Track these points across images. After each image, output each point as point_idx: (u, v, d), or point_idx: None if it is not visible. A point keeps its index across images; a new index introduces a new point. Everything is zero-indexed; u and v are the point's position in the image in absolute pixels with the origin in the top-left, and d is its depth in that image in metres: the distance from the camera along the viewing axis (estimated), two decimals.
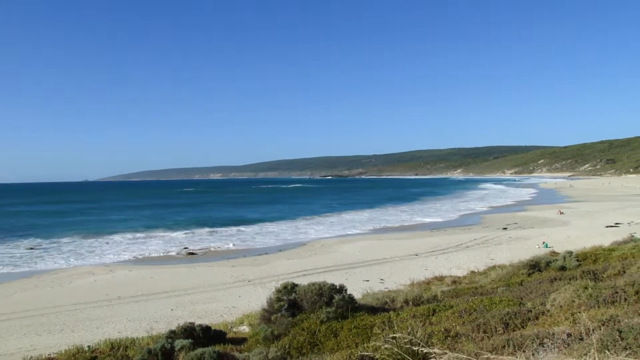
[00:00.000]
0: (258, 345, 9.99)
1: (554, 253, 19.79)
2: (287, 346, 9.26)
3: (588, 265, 14.54)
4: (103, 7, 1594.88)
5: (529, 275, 14.93)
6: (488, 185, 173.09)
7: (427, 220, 59.06)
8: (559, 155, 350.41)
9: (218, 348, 9.81)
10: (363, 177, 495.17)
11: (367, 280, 23.86)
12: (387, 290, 16.41)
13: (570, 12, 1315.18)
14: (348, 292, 11.27)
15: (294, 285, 11.61)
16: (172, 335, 10.57)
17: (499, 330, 7.80)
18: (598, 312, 7.47)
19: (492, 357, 4.53)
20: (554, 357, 5.15)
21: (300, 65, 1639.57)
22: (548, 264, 15.61)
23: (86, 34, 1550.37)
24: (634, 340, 4.99)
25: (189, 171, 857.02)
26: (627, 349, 4.82)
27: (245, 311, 18.17)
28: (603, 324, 6.15)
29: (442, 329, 8.31)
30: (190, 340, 10.11)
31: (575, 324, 6.85)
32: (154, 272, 30.23)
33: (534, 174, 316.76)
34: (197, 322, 11.83)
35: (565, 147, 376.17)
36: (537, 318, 8.12)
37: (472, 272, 20.83)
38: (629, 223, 41.71)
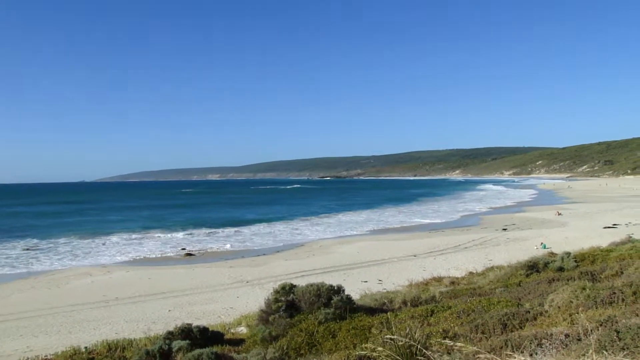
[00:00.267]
0: (256, 346, 9.97)
1: (552, 254, 19.80)
2: (285, 347, 9.25)
3: (586, 266, 14.55)
4: (101, 9, 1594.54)
5: (527, 276, 14.94)
6: (486, 186, 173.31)
7: (426, 221, 59.08)
8: (557, 157, 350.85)
9: (216, 349, 9.79)
10: (361, 178, 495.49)
11: (366, 281, 23.85)
12: (385, 291, 16.40)
13: (569, 12, 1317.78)
14: (346, 293, 11.26)
15: (292, 286, 11.60)
16: (170, 336, 10.56)
17: (497, 331, 7.79)
18: (596, 312, 7.47)
19: (490, 357, 4.53)
20: (552, 357, 5.15)
21: (299, 66, 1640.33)
22: (546, 264, 15.63)
23: (85, 35, 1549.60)
24: (631, 340, 4.99)
25: (187, 172, 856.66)
26: (624, 349, 4.81)
27: (243, 312, 18.15)
28: (601, 325, 6.15)
29: (441, 330, 8.30)
30: (187, 341, 10.10)
31: (573, 324, 6.84)
32: (152, 273, 30.19)
33: (532, 175, 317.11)
34: (195, 323, 11.82)
35: (564, 148, 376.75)
36: (535, 319, 8.12)
37: (471, 273, 20.83)
38: (626, 224, 41.77)
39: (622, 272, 11.76)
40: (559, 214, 55.07)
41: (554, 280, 12.32)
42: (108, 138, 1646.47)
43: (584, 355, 4.61)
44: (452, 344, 5.88)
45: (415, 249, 35.01)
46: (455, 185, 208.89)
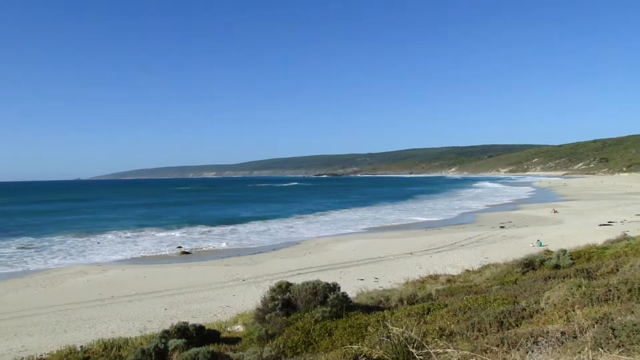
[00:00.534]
0: (252, 344, 9.95)
1: (548, 251, 19.85)
2: (281, 345, 9.23)
3: (582, 264, 14.58)
4: (96, 6, 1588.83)
5: (523, 273, 14.95)
6: (482, 183, 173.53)
7: (422, 218, 59.14)
8: (553, 154, 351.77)
9: (212, 348, 9.77)
10: (358, 175, 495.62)
11: (362, 279, 23.86)
12: (381, 289, 16.39)
13: (565, 11, 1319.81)
14: (342, 291, 11.24)
15: (288, 285, 11.58)
16: (166, 335, 10.52)
17: (493, 329, 7.79)
18: (592, 310, 7.48)
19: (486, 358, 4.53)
20: (548, 355, 5.15)
21: (296, 65, 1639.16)
22: (542, 262, 15.65)
23: (81, 32, 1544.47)
24: (627, 338, 4.99)
25: (183, 169, 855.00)
26: (620, 346, 4.82)
27: (239, 310, 18.14)
28: (597, 322, 6.16)
29: (437, 328, 8.30)
30: (184, 339, 10.06)
31: (569, 322, 6.85)
32: (148, 272, 30.14)
33: (528, 173, 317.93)
34: (191, 321, 11.79)
35: (559, 146, 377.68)
36: (531, 316, 8.12)
37: (467, 270, 20.85)
38: (622, 221, 41.89)
39: (617, 270, 11.78)
40: (555, 212, 55.19)
41: (550, 277, 12.34)
42: (104, 136, 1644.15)
43: (579, 352, 4.62)
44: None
45: (411, 246, 35.04)
46: (452, 182, 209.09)
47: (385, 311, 10.56)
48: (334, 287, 11.22)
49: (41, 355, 12.42)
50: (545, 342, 5.93)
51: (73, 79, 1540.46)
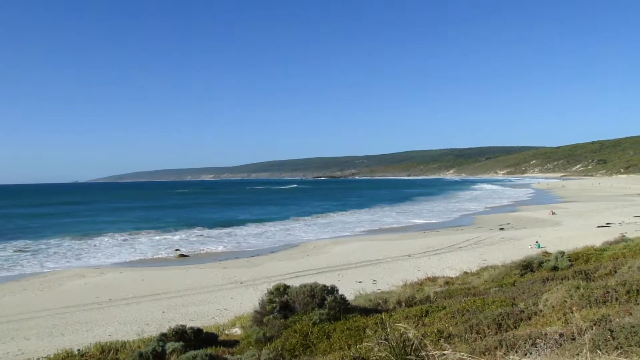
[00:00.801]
0: (250, 347, 9.93)
1: (546, 253, 19.85)
2: (279, 348, 9.21)
3: (580, 266, 14.58)
4: (93, 7, 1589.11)
5: (522, 275, 14.95)
6: (480, 185, 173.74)
7: (420, 221, 59.14)
8: (551, 156, 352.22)
9: (210, 350, 9.75)
10: (356, 177, 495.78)
11: (360, 282, 23.84)
12: (379, 291, 16.39)
13: (563, 12, 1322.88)
14: (340, 293, 11.23)
15: (286, 287, 11.56)
16: (164, 338, 10.49)
17: (491, 331, 7.79)
18: (590, 312, 7.48)
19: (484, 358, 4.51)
20: (546, 357, 5.14)
21: (293, 66, 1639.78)
22: (540, 264, 15.64)
23: (77, 33, 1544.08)
24: (625, 339, 4.98)
25: (181, 172, 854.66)
26: (618, 348, 4.81)
27: (237, 313, 18.10)
28: (595, 324, 6.15)
29: (435, 330, 8.30)
30: (181, 342, 10.05)
31: (568, 324, 6.85)
32: (145, 274, 30.09)
33: (526, 175, 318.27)
34: (189, 324, 11.76)
35: (557, 147, 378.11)
36: (529, 318, 8.12)
37: (465, 272, 20.84)
38: (620, 223, 41.95)
39: (615, 271, 11.78)
40: (553, 213, 55.26)
41: (548, 279, 12.34)
42: (102, 138, 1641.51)
43: (578, 354, 4.61)
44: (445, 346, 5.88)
45: (409, 248, 35.04)
46: (450, 184, 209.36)
47: (383, 313, 10.55)
48: (332, 290, 11.20)
49: (38, 358, 12.39)
50: (544, 344, 5.92)
51: (71, 80, 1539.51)
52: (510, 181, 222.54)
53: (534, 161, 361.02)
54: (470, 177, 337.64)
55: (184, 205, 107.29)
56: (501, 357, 5.38)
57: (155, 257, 38.23)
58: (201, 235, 50.96)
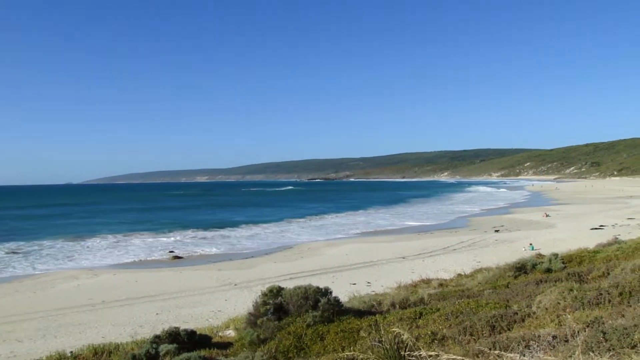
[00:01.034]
0: (244, 349, 9.92)
1: (539, 255, 19.90)
2: (273, 350, 9.21)
3: (573, 267, 14.64)
4: (82, 8, 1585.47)
5: (515, 277, 15.00)
6: (475, 188, 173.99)
7: (414, 223, 59.18)
8: (545, 158, 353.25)
9: (203, 352, 9.75)
10: (350, 179, 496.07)
11: (354, 284, 23.83)
12: (374, 293, 16.40)
13: (557, 14, 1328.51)
14: (334, 295, 11.24)
15: (280, 289, 11.56)
16: (157, 340, 10.47)
17: (485, 333, 7.81)
18: (583, 313, 7.50)
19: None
20: (539, 359, 5.15)
21: (288, 68, 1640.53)
22: (534, 266, 15.70)
23: (70, 35, 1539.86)
24: (617, 341, 5.00)
25: (175, 174, 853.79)
26: (610, 350, 4.83)
27: (231, 315, 18.06)
28: (588, 326, 6.18)
29: (429, 332, 8.31)
30: (175, 344, 10.03)
31: (561, 325, 6.87)
32: (139, 276, 29.99)
33: (520, 177, 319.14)
34: (183, 326, 11.74)
35: (551, 150, 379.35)
36: (523, 320, 8.14)
37: (459, 274, 20.88)
38: (613, 225, 42.09)
39: (608, 273, 11.83)
40: (547, 216, 55.40)
41: (541, 281, 12.38)
42: (94, 140, 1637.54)
43: (570, 356, 4.62)
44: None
45: (404, 250, 35.06)
46: (444, 187, 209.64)
47: (377, 315, 10.56)
48: (326, 292, 11.21)
49: None
50: (537, 346, 5.94)
51: (63, 81, 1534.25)
52: (505, 183, 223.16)
53: (528, 163, 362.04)
54: (465, 180, 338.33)
55: (178, 207, 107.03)
56: (495, 359, 5.39)
57: (149, 258, 38.10)
58: (195, 237, 50.82)
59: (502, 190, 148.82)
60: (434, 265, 28.58)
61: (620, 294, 8.29)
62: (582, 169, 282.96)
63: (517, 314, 8.44)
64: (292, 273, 28.50)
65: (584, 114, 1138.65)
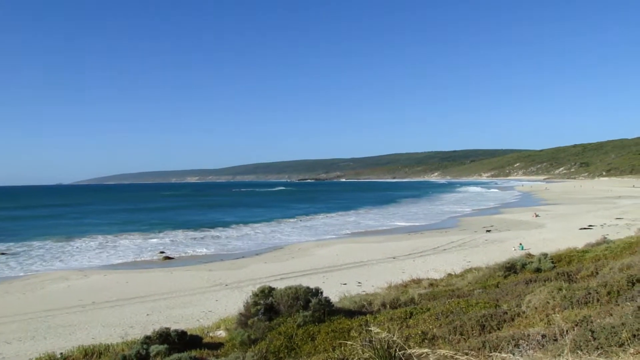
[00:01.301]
0: (235, 349, 9.91)
1: (529, 255, 20.01)
2: (264, 350, 9.20)
3: (562, 267, 14.73)
4: (70, 8, 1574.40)
5: (505, 277, 15.07)
6: (465, 188, 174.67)
7: (405, 223, 59.30)
8: (535, 159, 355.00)
9: (194, 353, 9.73)
10: (341, 180, 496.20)
11: (345, 284, 23.85)
12: (364, 293, 16.42)
13: (546, 15, 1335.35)
14: (325, 296, 11.24)
15: (271, 289, 11.55)
16: (148, 340, 10.44)
17: (475, 333, 7.84)
18: (572, 313, 7.56)
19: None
20: (529, 358, 5.19)
21: (279, 69, 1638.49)
22: (524, 266, 15.79)
23: (61, 35, 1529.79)
24: (605, 340, 5.05)
25: (165, 174, 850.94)
26: (599, 348, 4.87)
27: (222, 315, 18.03)
28: (576, 325, 6.22)
29: (419, 332, 8.33)
30: (166, 345, 10.00)
31: (550, 325, 6.91)
32: (130, 277, 29.86)
33: (510, 177, 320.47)
34: (173, 327, 11.70)
35: (541, 150, 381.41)
36: (512, 320, 8.19)
37: (449, 274, 20.95)
38: (601, 225, 42.38)
39: (597, 273, 11.92)
40: (537, 216, 55.71)
41: (531, 281, 12.45)
42: (84, 140, 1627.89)
43: (559, 355, 4.66)
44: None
45: (394, 251, 35.13)
46: (435, 187, 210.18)
47: (368, 315, 10.58)
48: (317, 292, 11.21)
49: None
50: (526, 345, 5.99)
51: (54, 82, 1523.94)
52: (495, 184, 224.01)
53: (517, 164, 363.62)
54: (455, 180, 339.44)
55: (169, 208, 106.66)
56: (484, 359, 5.42)
57: (139, 259, 37.95)
58: (186, 238, 50.67)
59: (492, 190, 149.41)
60: (424, 265, 28.65)
61: (609, 293, 8.35)
62: (571, 170, 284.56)
63: (506, 313, 8.48)
64: (282, 273, 28.49)
65: (573, 115, 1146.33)
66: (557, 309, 8.02)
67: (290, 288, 11.22)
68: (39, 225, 67.88)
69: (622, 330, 5.08)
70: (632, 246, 16.56)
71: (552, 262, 15.62)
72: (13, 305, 23.64)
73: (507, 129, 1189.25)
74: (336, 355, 7.36)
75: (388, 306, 11.87)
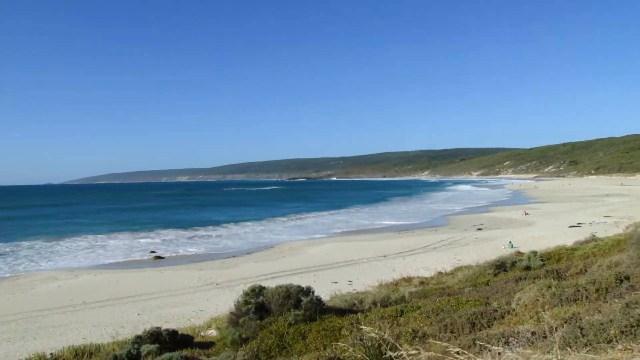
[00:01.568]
0: (226, 348, 9.91)
1: (519, 253, 20.10)
2: (255, 349, 9.21)
3: (552, 265, 14.84)
4: (54, 7, 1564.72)
5: (495, 275, 15.14)
6: (455, 186, 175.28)
7: (396, 222, 59.42)
8: (524, 157, 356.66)
9: (185, 352, 9.72)
10: (332, 179, 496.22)
11: (336, 282, 23.88)
12: (355, 291, 16.45)
13: (534, 14, 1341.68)
14: (316, 294, 11.27)
15: (262, 288, 11.56)
16: (139, 340, 10.42)
17: (465, 330, 7.89)
18: (561, 310, 7.62)
19: (459, 356, 4.58)
20: (518, 355, 5.23)
21: (268, 68, 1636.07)
22: (513, 263, 15.87)
23: (48, 35, 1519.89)
24: (594, 337, 5.10)
25: (155, 174, 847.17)
26: (587, 345, 4.92)
27: (213, 315, 18.01)
28: (565, 322, 6.28)
29: (410, 330, 8.38)
30: (157, 345, 9.99)
31: (540, 322, 6.97)
32: (120, 277, 29.75)
33: (500, 176, 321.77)
34: (164, 326, 11.68)
35: (530, 149, 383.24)
36: (502, 317, 8.24)
37: (440, 272, 21.03)
38: (590, 223, 42.67)
39: (586, 270, 12.02)
40: (526, 214, 56.00)
41: (521, 279, 12.52)
42: (74, 140, 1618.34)
43: (549, 352, 4.69)
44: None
45: (385, 249, 35.20)
46: (425, 185, 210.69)
47: (359, 314, 10.61)
48: (308, 291, 11.23)
49: None
50: (516, 342, 6.04)
51: (38, 80, 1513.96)
52: (486, 182, 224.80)
53: (507, 162, 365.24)
54: (446, 178, 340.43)
55: (160, 207, 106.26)
56: (475, 356, 5.46)
57: (130, 259, 37.80)
58: (177, 237, 50.54)
59: (482, 188, 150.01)
60: (414, 263, 28.74)
61: (597, 290, 8.43)
62: (560, 168, 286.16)
63: (496, 311, 8.54)
64: (273, 272, 28.48)
65: (562, 114, 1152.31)
66: (546, 307, 8.08)
67: (281, 287, 11.23)
68: (28, 225, 67.44)
69: (611, 327, 5.14)
70: (620, 244, 16.68)
71: (542, 260, 15.71)
72: (2, 305, 23.48)
73: (496, 128, 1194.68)
74: (327, 354, 7.39)
75: (379, 304, 11.91)
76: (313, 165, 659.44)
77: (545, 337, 5.85)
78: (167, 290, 25.36)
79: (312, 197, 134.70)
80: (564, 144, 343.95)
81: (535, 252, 16.71)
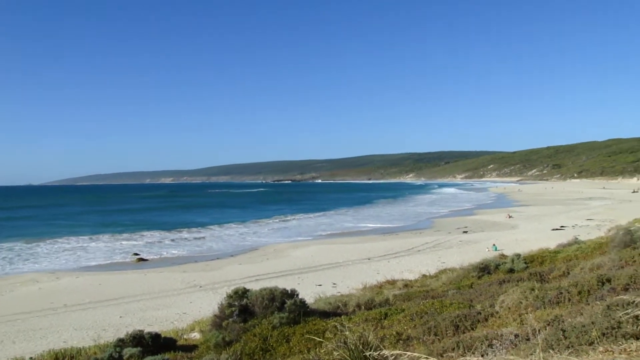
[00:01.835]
0: (209, 351, 9.84)
1: (503, 256, 20.25)
2: (238, 352, 9.16)
3: (535, 267, 14.95)
4: (45, 9, 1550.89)
5: (479, 277, 15.23)
6: (440, 189, 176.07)
7: (380, 224, 59.53)
8: (508, 161, 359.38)
9: (168, 356, 9.65)
10: (317, 181, 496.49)
11: (320, 285, 23.86)
12: (339, 294, 16.44)
13: (521, 17, 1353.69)
14: (300, 297, 11.24)
15: (246, 291, 11.50)
16: (121, 343, 10.32)
17: (449, 333, 7.91)
18: (544, 312, 7.66)
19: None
20: (502, 357, 5.24)
21: (254, 70, 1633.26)
22: (497, 266, 15.97)
23: (34, 36, 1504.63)
24: (576, 339, 5.12)
25: (139, 175, 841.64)
26: (569, 347, 4.94)
27: (196, 317, 17.91)
28: (548, 324, 6.31)
29: (394, 333, 8.38)
30: (139, 348, 9.90)
31: (523, 324, 7.01)
32: (102, 279, 29.48)
33: (484, 179, 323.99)
34: (147, 329, 11.59)
35: (514, 152, 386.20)
36: (486, 320, 8.27)
37: (424, 275, 21.12)
38: (573, 226, 43.10)
39: (568, 273, 12.12)
40: (510, 217, 56.43)
41: (504, 281, 12.60)
42: (55, 140, 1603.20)
43: (532, 354, 4.71)
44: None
45: (369, 252, 35.25)
46: (410, 188, 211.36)
47: (343, 317, 10.60)
48: (292, 293, 11.20)
49: None
50: (500, 344, 6.05)
51: (20, 80, 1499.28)
52: (471, 185, 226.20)
53: (491, 166, 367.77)
54: (430, 181, 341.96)
55: (143, 209, 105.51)
56: (459, 356, 5.47)
57: (113, 261, 37.46)
58: (160, 239, 50.20)
59: (466, 191, 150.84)
60: (399, 266, 28.81)
61: (580, 292, 8.49)
62: (544, 171, 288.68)
63: (480, 313, 8.57)
64: (258, 275, 28.39)
65: (545, 117, 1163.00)
66: (529, 309, 8.13)
67: (265, 289, 11.19)
68: (7, 226, 66.60)
69: (592, 329, 5.16)
70: (602, 246, 16.86)
71: (525, 263, 15.83)
72: None
73: (480, 131, 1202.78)
74: (311, 357, 7.35)
75: (363, 307, 11.92)
76: (298, 167, 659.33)
77: (528, 339, 5.87)
78: (150, 292, 25.16)
79: (297, 200, 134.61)
80: (548, 148, 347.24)
81: (518, 255, 16.85)
